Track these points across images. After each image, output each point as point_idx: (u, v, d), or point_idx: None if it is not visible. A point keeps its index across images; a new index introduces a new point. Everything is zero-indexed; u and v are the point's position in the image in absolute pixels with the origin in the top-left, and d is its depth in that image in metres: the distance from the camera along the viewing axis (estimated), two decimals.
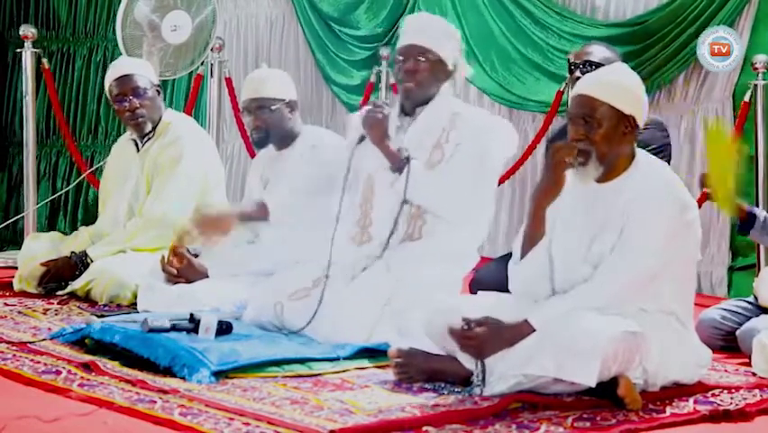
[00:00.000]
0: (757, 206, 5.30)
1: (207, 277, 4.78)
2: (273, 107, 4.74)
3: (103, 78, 7.84)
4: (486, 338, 3.42)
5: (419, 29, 4.25)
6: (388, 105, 4.23)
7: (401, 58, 4.24)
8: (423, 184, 4.16)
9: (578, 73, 4.70)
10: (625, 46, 5.78)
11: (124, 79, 5.29)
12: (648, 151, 3.75)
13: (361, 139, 4.22)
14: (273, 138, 4.80)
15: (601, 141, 3.48)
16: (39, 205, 6.97)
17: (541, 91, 6.51)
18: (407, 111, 4.28)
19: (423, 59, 4.19)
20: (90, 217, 7.72)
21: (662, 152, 4.64)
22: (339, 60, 7.41)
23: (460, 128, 4.21)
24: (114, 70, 5.37)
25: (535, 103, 6.56)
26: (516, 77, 6.65)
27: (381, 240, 4.20)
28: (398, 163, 4.16)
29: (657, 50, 5.99)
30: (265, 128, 4.76)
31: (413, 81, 4.20)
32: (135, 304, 4.87)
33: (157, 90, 5.36)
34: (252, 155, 6.98)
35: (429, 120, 4.24)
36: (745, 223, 4.07)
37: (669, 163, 4.61)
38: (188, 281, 4.77)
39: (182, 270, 4.80)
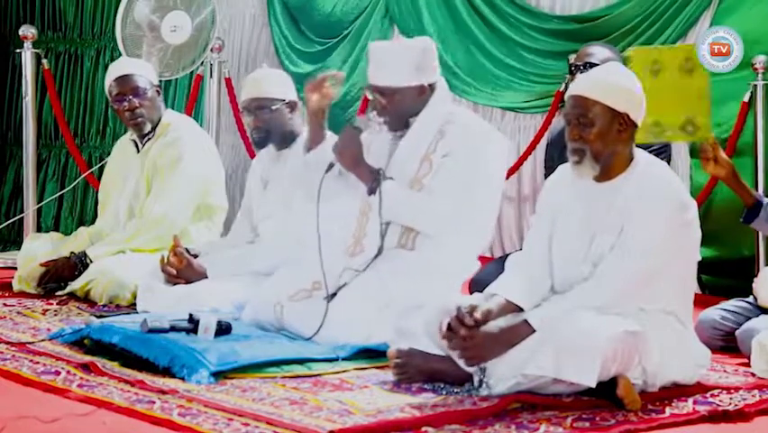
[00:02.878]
0: None
1: (206, 278, 4.77)
2: (274, 107, 4.74)
3: None
4: (485, 340, 3.42)
5: (375, 67, 4.16)
6: (363, 126, 4.17)
7: (370, 94, 4.21)
8: (397, 204, 4.12)
9: (579, 75, 4.69)
10: (582, 42, 5.74)
11: (124, 79, 5.29)
12: (649, 152, 3.75)
13: (330, 167, 4.16)
14: (273, 138, 4.80)
15: (595, 139, 3.50)
16: (38, 206, 6.96)
17: (503, 87, 6.55)
18: (398, 128, 4.22)
19: (383, 97, 4.13)
20: (96, 218, 7.73)
21: (663, 152, 4.63)
22: (293, 53, 7.44)
23: (447, 138, 4.16)
24: (114, 70, 5.37)
25: (500, 99, 6.59)
26: (476, 72, 6.68)
27: (370, 255, 4.17)
28: (371, 185, 4.14)
29: (622, 46, 6.00)
30: (265, 128, 4.76)
31: (383, 116, 4.16)
32: (135, 304, 4.87)
33: (157, 91, 5.36)
34: (252, 155, 6.97)
35: (418, 131, 4.19)
36: (750, 210, 4.06)
37: (669, 163, 4.61)
38: (188, 282, 4.77)
39: (181, 270, 4.79)
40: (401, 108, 4.16)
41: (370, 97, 4.23)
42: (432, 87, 4.19)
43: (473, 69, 6.71)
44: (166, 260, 4.83)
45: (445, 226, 4.12)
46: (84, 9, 8.29)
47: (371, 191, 4.16)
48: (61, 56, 8.25)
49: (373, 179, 4.16)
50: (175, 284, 4.77)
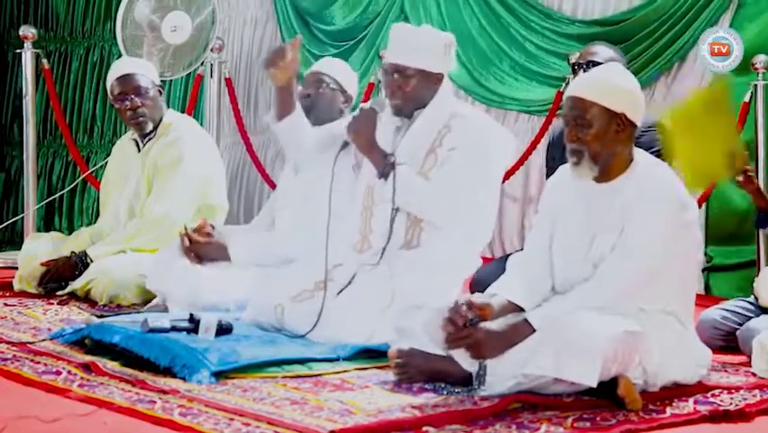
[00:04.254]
0: None
1: (228, 259, 4.54)
2: (333, 86, 4.68)
3: (99, 77, 7.92)
4: (486, 338, 3.42)
5: (397, 46, 4.18)
6: (379, 108, 4.18)
7: (384, 75, 4.23)
8: (410, 190, 4.14)
9: (582, 74, 4.68)
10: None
11: (126, 78, 5.29)
12: (651, 153, 3.75)
13: (344, 145, 4.17)
14: (317, 112, 4.64)
15: (593, 140, 3.50)
16: (39, 205, 6.97)
17: (523, 90, 6.53)
18: (405, 114, 4.23)
19: (401, 77, 4.14)
20: (87, 218, 7.73)
21: None
22: (309, 57, 7.45)
23: (455, 132, 4.17)
24: (117, 70, 5.37)
25: (517, 102, 6.58)
26: (495, 75, 6.67)
27: (379, 248, 4.18)
28: (384, 169, 4.15)
29: (641, 49, 6.00)
30: (312, 100, 4.65)
31: (395, 99, 4.17)
32: (135, 304, 4.88)
33: (159, 90, 5.36)
34: (253, 156, 6.99)
35: (424, 125, 4.20)
36: (764, 214, 4.06)
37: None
38: (200, 260, 4.57)
39: (203, 247, 4.55)
40: (415, 92, 4.16)
41: (380, 79, 4.25)
42: (442, 80, 4.20)
43: (491, 72, 6.71)
44: (188, 230, 4.60)
45: (452, 218, 4.13)
46: (75, 8, 8.30)
47: (383, 175, 4.16)
48: (52, 55, 8.26)
49: (385, 164, 4.16)
50: (188, 257, 4.65)
